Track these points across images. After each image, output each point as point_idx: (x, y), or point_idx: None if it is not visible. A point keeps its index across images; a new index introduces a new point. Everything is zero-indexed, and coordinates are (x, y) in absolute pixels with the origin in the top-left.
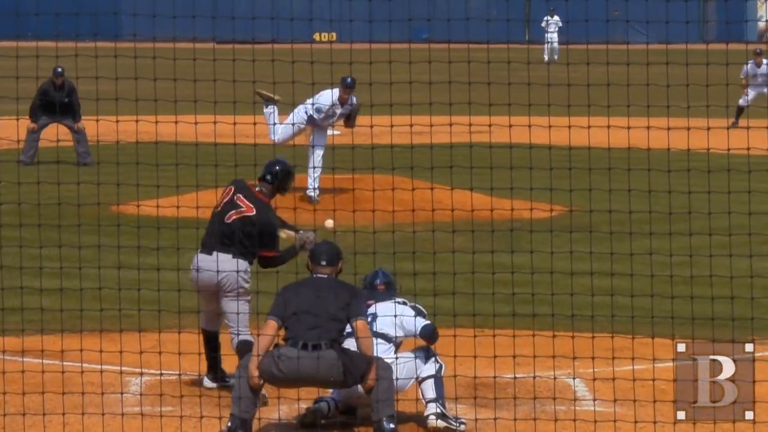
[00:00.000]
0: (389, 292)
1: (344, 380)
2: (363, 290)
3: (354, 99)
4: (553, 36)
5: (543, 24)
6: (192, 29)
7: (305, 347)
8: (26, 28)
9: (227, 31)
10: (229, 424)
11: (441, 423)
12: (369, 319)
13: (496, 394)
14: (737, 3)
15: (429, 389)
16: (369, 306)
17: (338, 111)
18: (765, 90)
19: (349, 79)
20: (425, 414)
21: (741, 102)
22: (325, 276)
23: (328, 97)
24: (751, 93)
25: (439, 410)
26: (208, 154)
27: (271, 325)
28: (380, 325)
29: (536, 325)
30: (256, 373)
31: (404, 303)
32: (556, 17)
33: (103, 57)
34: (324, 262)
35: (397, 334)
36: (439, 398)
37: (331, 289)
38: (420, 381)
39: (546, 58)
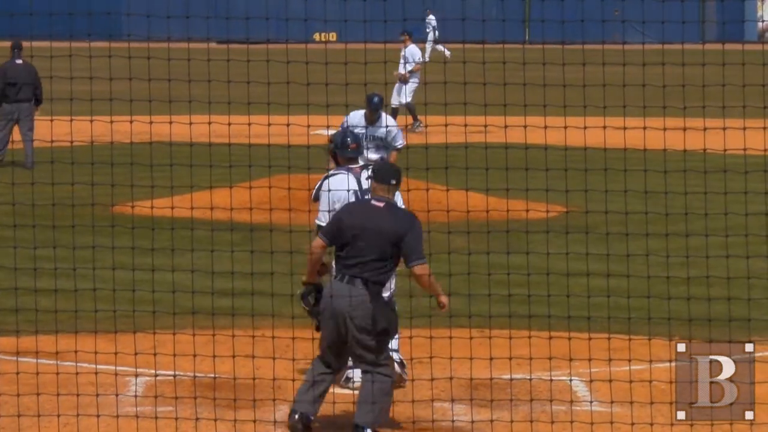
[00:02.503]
0: (359, 149)
1: (372, 328)
2: (420, 223)
3: (388, 120)
4: (430, 35)
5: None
6: (186, 29)
7: (342, 279)
8: (22, 28)
9: (222, 31)
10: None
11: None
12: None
13: (493, 395)
14: (736, 3)
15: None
16: (358, 173)
17: (367, 132)
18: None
19: (375, 98)
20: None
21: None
22: (382, 204)
23: (355, 116)
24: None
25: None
26: (203, 155)
27: (318, 242)
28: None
29: (533, 326)
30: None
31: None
32: (431, 16)
33: (97, 57)
34: (394, 181)
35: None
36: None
37: (388, 220)
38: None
39: (427, 58)
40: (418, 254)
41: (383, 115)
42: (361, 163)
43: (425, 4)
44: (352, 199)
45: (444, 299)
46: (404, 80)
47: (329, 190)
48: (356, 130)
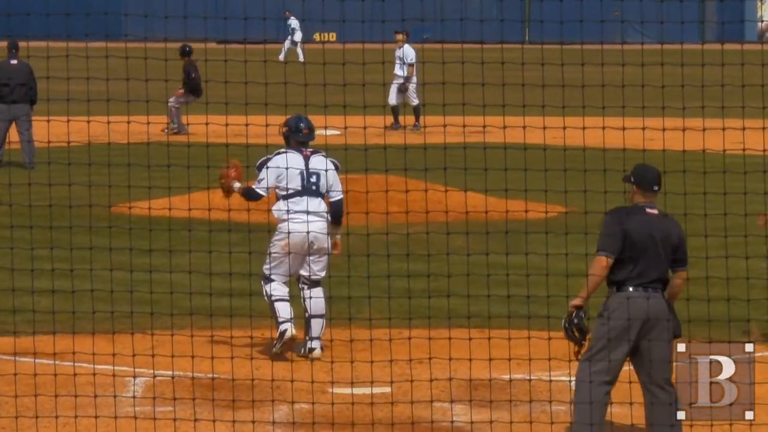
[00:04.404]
0: (311, 135)
1: (672, 331)
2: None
3: None
4: (290, 37)
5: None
6: (184, 29)
7: (646, 289)
8: (19, 28)
9: (220, 31)
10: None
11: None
12: (314, 179)
13: (493, 395)
14: (736, 3)
15: (319, 326)
16: (308, 156)
17: None
18: (399, 76)
19: None
20: (311, 347)
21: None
22: (657, 212)
23: None
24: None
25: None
26: (201, 155)
27: (603, 261)
28: (322, 182)
29: (532, 327)
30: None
31: (331, 160)
32: (292, 18)
33: (94, 57)
34: (657, 188)
35: (332, 194)
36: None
37: (670, 226)
38: (316, 316)
39: (281, 57)
40: (686, 259)
41: None
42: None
43: (285, 5)
44: (298, 178)
45: None
46: (404, 89)
47: (276, 166)
48: None
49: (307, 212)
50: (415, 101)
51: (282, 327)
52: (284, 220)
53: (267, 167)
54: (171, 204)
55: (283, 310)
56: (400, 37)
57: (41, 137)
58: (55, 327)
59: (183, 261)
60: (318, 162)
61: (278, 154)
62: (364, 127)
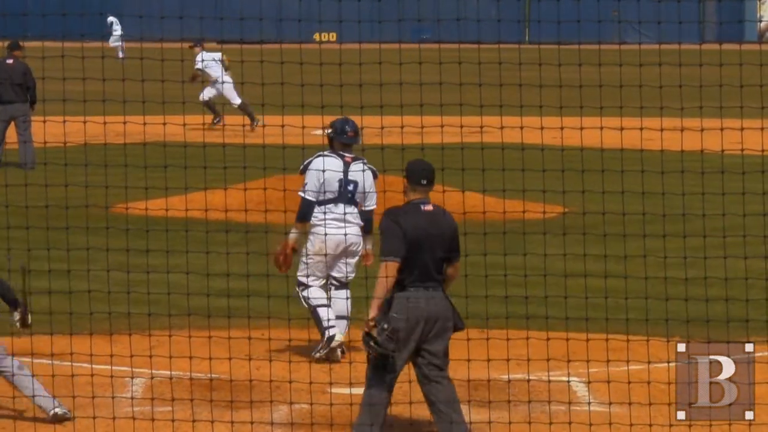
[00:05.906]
0: (357, 138)
1: (453, 325)
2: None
3: None
4: (116, 37)
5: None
6: (180, 30)
7: (427, 288)
8: (16, 28)
9: (217, 31)
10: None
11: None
12: (351, 187)
13: (491, 396)
14: (736, 3)
15: (341, 326)
16: (348, 163)
17: None
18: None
19: None
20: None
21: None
22: (431, 206)
23: None
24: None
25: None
26: (197, 156)
27: (394, 267)
28: (359, 191)
29: (531, 327)
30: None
31: (370, 168)
32: (111, 18)
33: (90, 58)
34: (425, 181)
35: (366, 203)
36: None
37: (439, 224)
38: (340, 317)
39: (121, 55)
40: (459, 251)
41: None
42: (353, 154)
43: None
44: (336, 183)
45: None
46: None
47: (322, 170)
48: None
49: (343, 219)
50: (206, 97)
51: (330, 332)
52: (319, 225)
53: (309, 170)
54: (168, 204)
55: (327, 315)
56: (197, 47)
57: (38, 137)
58: (52, 327)
59: (180, 261)
60: (357, 169)
61: (318, 156)
62: (362, 127)
